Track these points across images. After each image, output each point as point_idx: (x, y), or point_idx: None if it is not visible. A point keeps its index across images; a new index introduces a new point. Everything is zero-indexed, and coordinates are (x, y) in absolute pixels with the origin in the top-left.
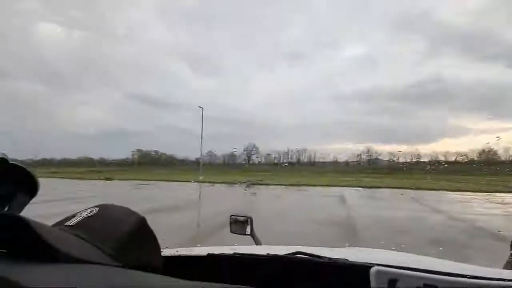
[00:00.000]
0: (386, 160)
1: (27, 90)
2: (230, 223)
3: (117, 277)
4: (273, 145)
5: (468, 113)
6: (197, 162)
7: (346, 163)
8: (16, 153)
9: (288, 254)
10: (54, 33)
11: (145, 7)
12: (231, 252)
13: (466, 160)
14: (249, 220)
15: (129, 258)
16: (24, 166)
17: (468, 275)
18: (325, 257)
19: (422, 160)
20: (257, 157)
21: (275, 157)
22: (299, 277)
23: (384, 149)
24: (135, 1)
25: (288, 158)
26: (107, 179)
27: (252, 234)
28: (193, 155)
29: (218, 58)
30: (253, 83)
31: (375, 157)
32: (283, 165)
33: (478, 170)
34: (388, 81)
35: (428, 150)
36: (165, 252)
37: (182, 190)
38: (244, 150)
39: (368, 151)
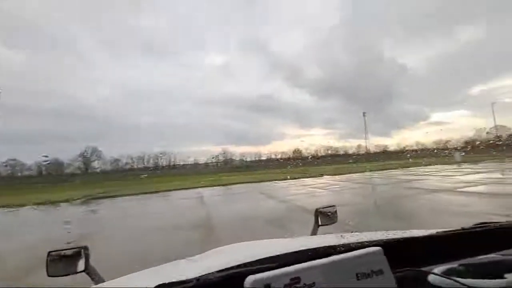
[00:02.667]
0: (238, 160)
1: None
2: (47, 262)
3: None
4: (124, 149)
5: (288, 123)
6: None
7: (206, 165)
8: None
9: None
10: None
11: None
12: None
13: (286, 157)
14: (82, 251)
15: None
16: None
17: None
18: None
19: (262, 158)
20: (100, 164)
21: (126, 163)
22: None
23: (238, 150)
24: None
25: (144, 163)
26: None
27: (87, 271)
28: None
29: (40, 26)
30: (99, 71)
31: (229, 157)
32: (138, 171)
33: (285, 164)
34: (242, 91)
35: (266, 150)
36: None
37: None
38: (80, 156)
39: (224, 152)
